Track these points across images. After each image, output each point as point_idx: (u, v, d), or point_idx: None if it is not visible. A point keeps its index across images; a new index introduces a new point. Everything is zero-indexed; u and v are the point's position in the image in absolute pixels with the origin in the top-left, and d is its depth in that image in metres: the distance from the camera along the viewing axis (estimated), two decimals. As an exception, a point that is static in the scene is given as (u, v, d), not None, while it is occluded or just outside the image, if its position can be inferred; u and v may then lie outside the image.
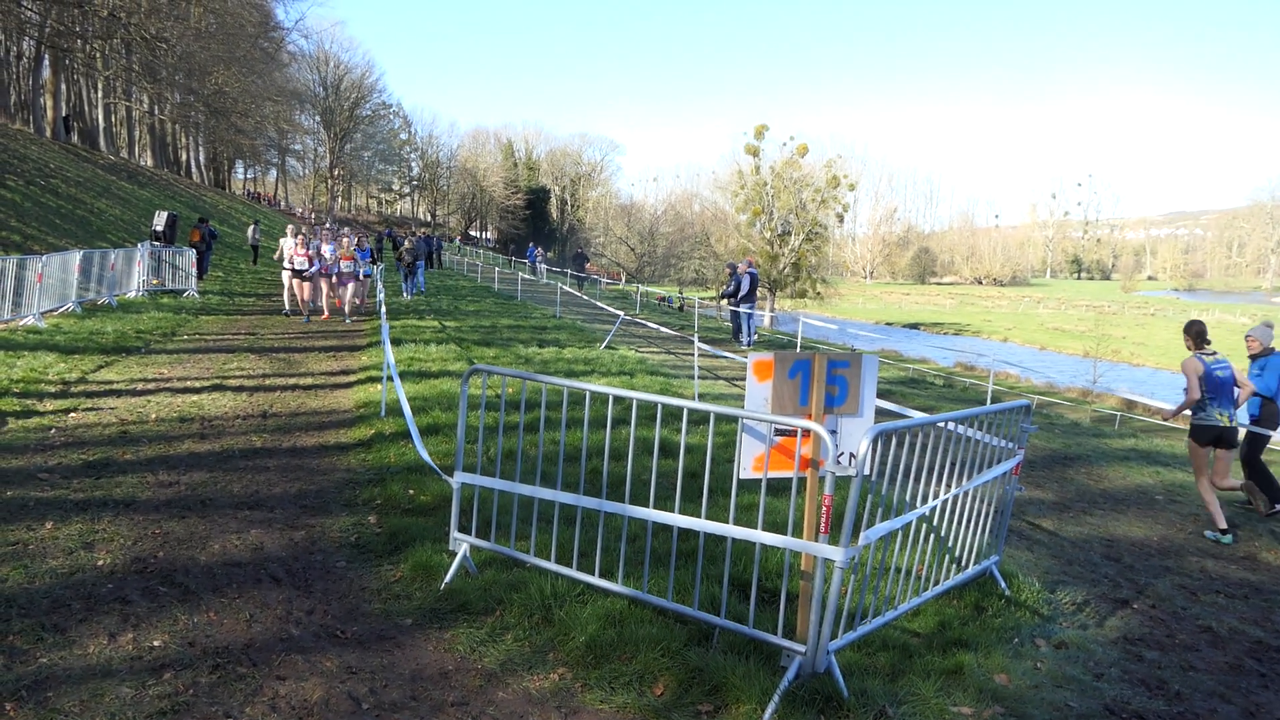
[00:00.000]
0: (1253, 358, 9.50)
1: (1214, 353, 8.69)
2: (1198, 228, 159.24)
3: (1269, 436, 9.39)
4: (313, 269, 19.56)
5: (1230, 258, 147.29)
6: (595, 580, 5.08)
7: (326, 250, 19.93)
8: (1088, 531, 8.19)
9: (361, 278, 21.01)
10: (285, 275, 19.82)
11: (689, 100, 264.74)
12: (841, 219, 56.15)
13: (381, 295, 19.38)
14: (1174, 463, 12.24)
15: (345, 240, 21.35)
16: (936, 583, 5.53)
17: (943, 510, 5.41)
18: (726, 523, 4.64)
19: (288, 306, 20.00)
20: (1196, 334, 8.78)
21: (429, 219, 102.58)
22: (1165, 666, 5.23)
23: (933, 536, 5.54)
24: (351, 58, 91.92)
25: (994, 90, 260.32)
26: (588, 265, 52.35)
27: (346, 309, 20.23)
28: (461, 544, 5.60)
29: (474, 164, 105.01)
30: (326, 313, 20.24)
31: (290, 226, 22.27)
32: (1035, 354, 53.75)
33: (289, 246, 19.69)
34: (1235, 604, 6.50)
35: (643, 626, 4.84)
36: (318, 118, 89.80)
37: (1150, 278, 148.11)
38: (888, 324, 69.32)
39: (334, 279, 20.34)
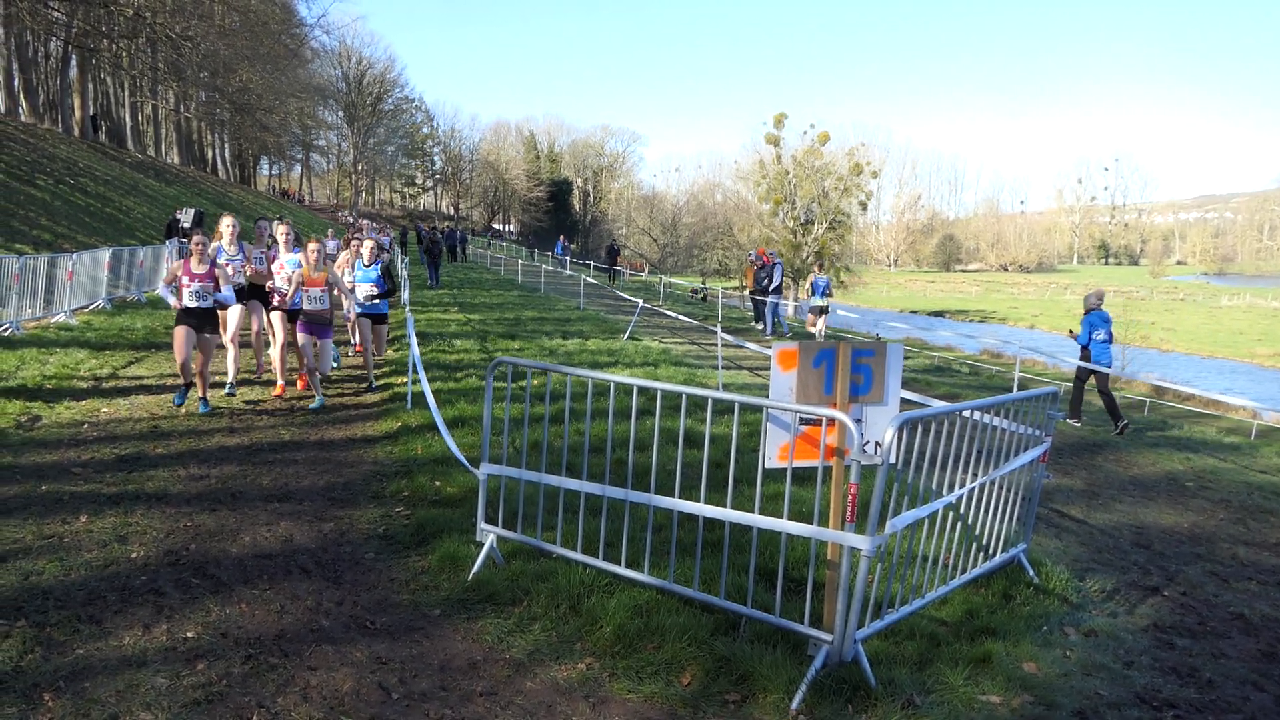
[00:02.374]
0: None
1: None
2: (1228, 211, 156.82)
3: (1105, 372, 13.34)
4: (223, 295, 9.49)
5: (1261, 241, 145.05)
6: (622, 570, 5.10)
7: (287, 268, 10.47)
8: (1117, 519, 8.12)
9: (350, 316, 12.92)
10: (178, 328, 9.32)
11: (710, 89, 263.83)
12: (865, 207, 55.74)
13: (406, 289, 19.46)
14: (1204, 449, 12.12)
15: (354, 243, 13.50)
16: (963, 571, 5.51)
17: (969, 498, 5.39)
18: (752, 512, 4.64)
19: (184, 378, 9.44)
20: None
21: (452, 212, 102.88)
22: (1197, 654, 5.19)
23: (959, 525, 5.51)
24: (374, 52, 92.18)
25: (1018, 74, 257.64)
26: (619, 258, 50.74)
27: (318, 373, 10.62)
28: (488, 535, 5.63)
29: (496, 157, 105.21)
30: (281, 385, 10.75)
31: (184, 211, 16.93)
32: (1062, 341, 53.23)
33: (174, 259, 10.50)
34: (1268, 590, 6.43)
35: (670, 616, 4.85)
36: (341, 113, 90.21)
37: (1179, 262, 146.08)
38: (912, 312, 68.87)
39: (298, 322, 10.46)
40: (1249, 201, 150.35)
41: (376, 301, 11.54)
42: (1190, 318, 72.35)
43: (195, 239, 9.28)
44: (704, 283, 53.08)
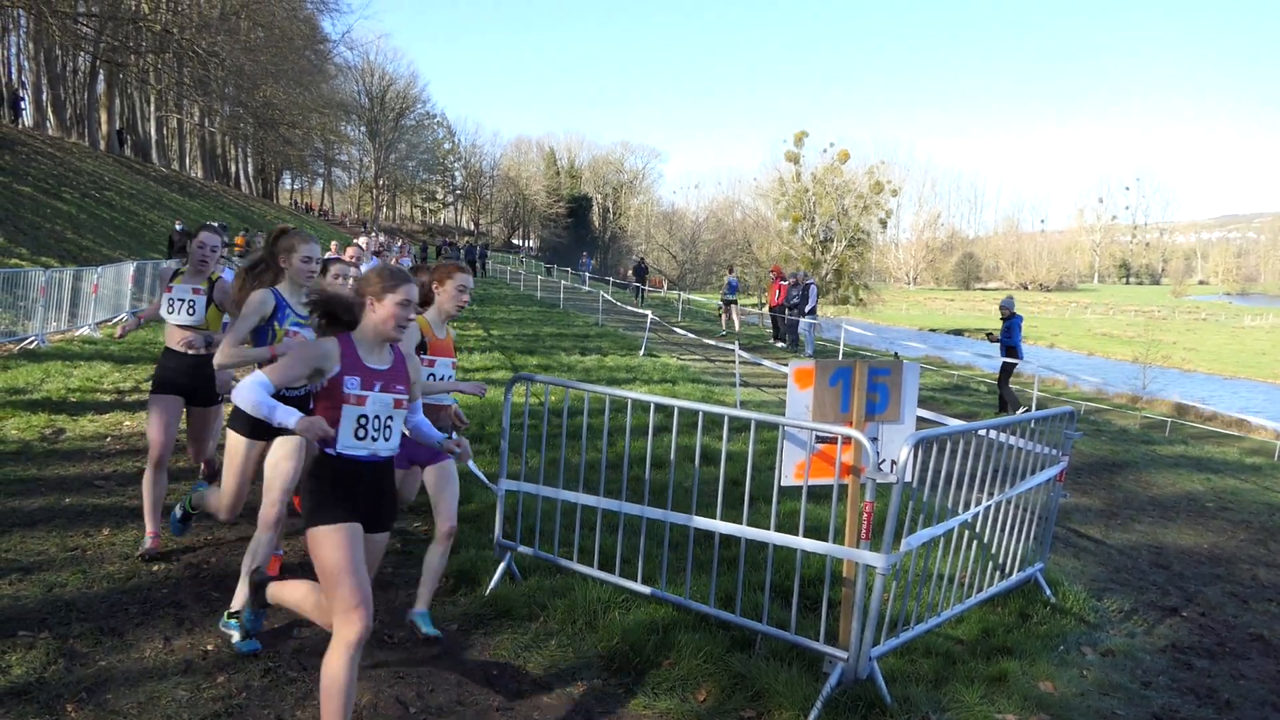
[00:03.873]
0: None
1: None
2: (1250, 231, 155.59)
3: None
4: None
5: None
6: (638, 586, 5.12)
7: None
8: (1136, 539, 8.08)
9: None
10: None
11: (731, 106, 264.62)
12: (884, 225, 55.90)
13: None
14: (1225, 469, 12.03)
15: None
16: (980, 589, 5.51)
17: (985, 517, 5.39)
18: (768, 529, 4.66)
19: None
20: None
21: (472, 228, 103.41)
22: (1215, 675, 5.16)
23: (975, 543, 5.51)
24: (396, 69, 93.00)
25: (1039, 92, 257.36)
26: (649, 277, 47.58)
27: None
28: (506, 551, 5.67)
29: (516, 173, 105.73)
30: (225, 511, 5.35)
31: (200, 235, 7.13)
32: (1083, 359, 52.92)
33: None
34: (1289, 613, 6.38)
35: (686, 633, 4.87)
36: (363, 128, 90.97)
37: (1201, 282, 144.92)
38: (931, 330, 68.62)
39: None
40: (1272, 221, 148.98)
41: None
42: (1212, 338, 71.77)
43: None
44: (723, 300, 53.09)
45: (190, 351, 5.73)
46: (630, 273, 50.00)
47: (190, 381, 5.73)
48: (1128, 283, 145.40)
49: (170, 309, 5.68)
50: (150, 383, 5.87)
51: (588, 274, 50.38)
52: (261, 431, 4.85)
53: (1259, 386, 49.33)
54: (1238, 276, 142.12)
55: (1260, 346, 65.59)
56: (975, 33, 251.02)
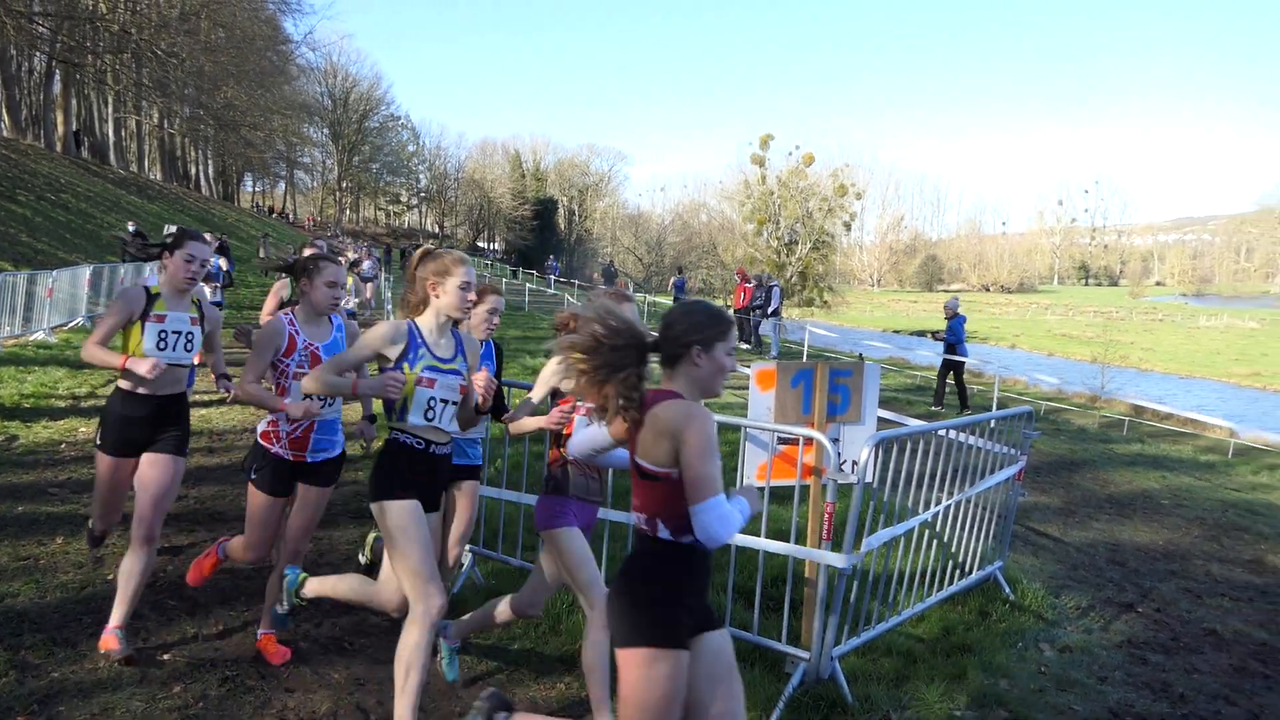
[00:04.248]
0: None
1: None
2: (1205, 233, 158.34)
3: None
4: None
5: (1239, 262, 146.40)
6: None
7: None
8: (1093, 536, 8.19)
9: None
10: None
11: (696, 109, 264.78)
12: (848, 227, 56.24)
13: (389, 305, 19.44)
14: (1180, 467, 12.24)
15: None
16: (940, 588, 5.56)
17: (945, 516, 5.44)
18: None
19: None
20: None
21: (437, 231, 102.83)
22: (1170, 669, 5.24)
23: (936, 542, 5.56)
24: (360, 70, 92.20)
25: (1000, 96, 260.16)
26: (618, 281, 46.70)
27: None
28: (468, 555, 5.64)
29: (482, 175, 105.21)
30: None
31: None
32: (1043, 360, 53.56)
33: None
34: (1240, 606, 6.51)
35: (648, 635, 4.86)
36: (326, 130, 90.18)
37: (1158, 283, 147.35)
38: (895, 331, 69.17)
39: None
40: (1226, 224, 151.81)
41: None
42: (1169, 338, 72.97)
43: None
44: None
45: (225, 396, 4.96)
46: (599, 275, 49.65)
47: (154, 432, 4.62)
48: (1087, 284, 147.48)
49: (162, 343, 4.54)
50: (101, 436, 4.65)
51: (554, 277, 50.26)
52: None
53: (1213, 385, 50.26)
54: (1193, 278, 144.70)
55: (1214, 346, 66.79)
56: (938, 37, 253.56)
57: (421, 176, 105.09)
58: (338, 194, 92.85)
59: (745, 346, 23.95)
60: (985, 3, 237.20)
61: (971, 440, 5.69)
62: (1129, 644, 5.61)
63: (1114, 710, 4.65)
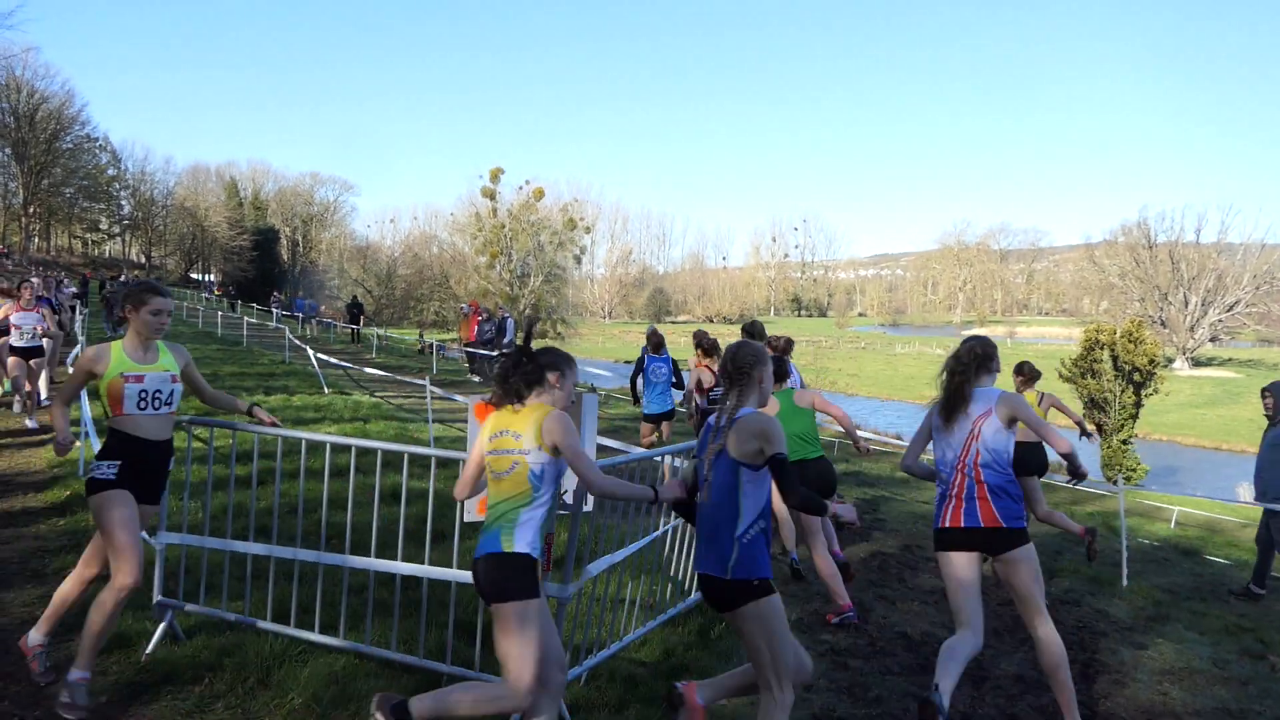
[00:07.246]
0: None
1: None
2: (899, 268, 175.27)
3: None
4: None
5: (926, 295, 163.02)
6: (314, 636, 4.88)
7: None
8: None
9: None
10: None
11: (428, 142, 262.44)
12: (579, 260, 57.47)
13: (83, 340, 17.69)
14: (879, 483, 13.34)
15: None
16: (662, 611, 5.72)
17: (665, 540, 5.62)
18: (451, 567, 4.60)
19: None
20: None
21: (143, 260, 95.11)
22: (867, 673, 5.66)
23: (657, 566, 5.73)
24: (49, 86, 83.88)
25: (719, 135, 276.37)
26: (362, 316, 42.51)
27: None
28: (167, 610, 5.19)
29: (194, 203, 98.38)
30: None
31: None
32: (763, 387, 56.82)
33: None
34: (927, 610, 7.16)
35: (367, 681, 4.68)
36: (8, 150, 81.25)
37: (861, 314, 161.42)
38: (627, 362, 71.17)
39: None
40: (916, 260, 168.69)
41: None
42: (871, 364, 79.87)
43: None
44: (421, 334, 52.26)
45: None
46: (344, 310, 47.24)
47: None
48: (800, 315, 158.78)
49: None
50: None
51: (276, 309, 47.59)
52: None
53: (909, 407, 55.58)
54: (889, 309, 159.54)
55: (910, 371, 73.88)
56: (660, 79, 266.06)
57: (124, 203, 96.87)
58: (24, 220, 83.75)
59: (478, 380, 23.82)
60: (697, 47, 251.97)
61: (689, 465, 5.92)
62: (832, 652, 6.01)
63: (818, 715, 4.96)
